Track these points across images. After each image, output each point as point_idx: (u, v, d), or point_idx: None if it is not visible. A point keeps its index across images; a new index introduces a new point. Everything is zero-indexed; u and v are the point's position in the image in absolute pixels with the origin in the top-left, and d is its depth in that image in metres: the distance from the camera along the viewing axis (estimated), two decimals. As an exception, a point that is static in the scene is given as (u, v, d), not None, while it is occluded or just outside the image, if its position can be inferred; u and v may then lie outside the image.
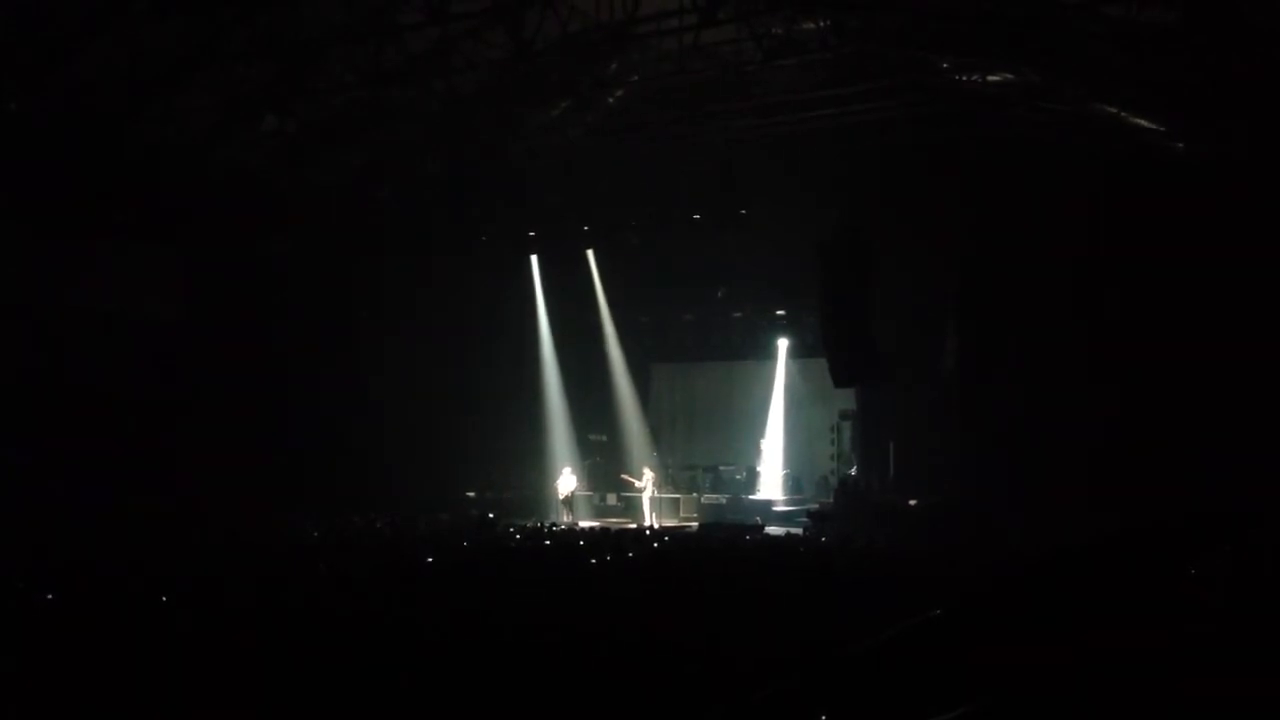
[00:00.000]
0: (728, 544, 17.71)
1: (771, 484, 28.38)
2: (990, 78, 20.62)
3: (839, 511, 23.42)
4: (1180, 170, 19.94)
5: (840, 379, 23.77)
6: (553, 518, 26.06)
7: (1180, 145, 19.98)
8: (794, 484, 28.34)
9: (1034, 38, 18.63)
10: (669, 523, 25.90)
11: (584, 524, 24.57)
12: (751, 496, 27.71)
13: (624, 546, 16.68)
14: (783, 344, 29.04)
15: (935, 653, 4.55)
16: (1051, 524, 16.72)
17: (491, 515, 24.37)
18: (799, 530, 22.53)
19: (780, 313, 28.67)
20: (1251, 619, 3.93)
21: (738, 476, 28.70)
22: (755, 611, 9.53)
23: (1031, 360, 21.91)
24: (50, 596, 10.27)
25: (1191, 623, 3.97)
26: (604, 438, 29.98)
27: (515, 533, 20.38)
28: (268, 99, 21.30)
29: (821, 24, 19.56)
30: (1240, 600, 4.03)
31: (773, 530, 22.53)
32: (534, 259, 29.31)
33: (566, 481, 27.32)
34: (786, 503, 27.20)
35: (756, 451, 28.72)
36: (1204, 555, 4.31)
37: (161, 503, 20.16)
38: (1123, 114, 19.76)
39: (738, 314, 29.18)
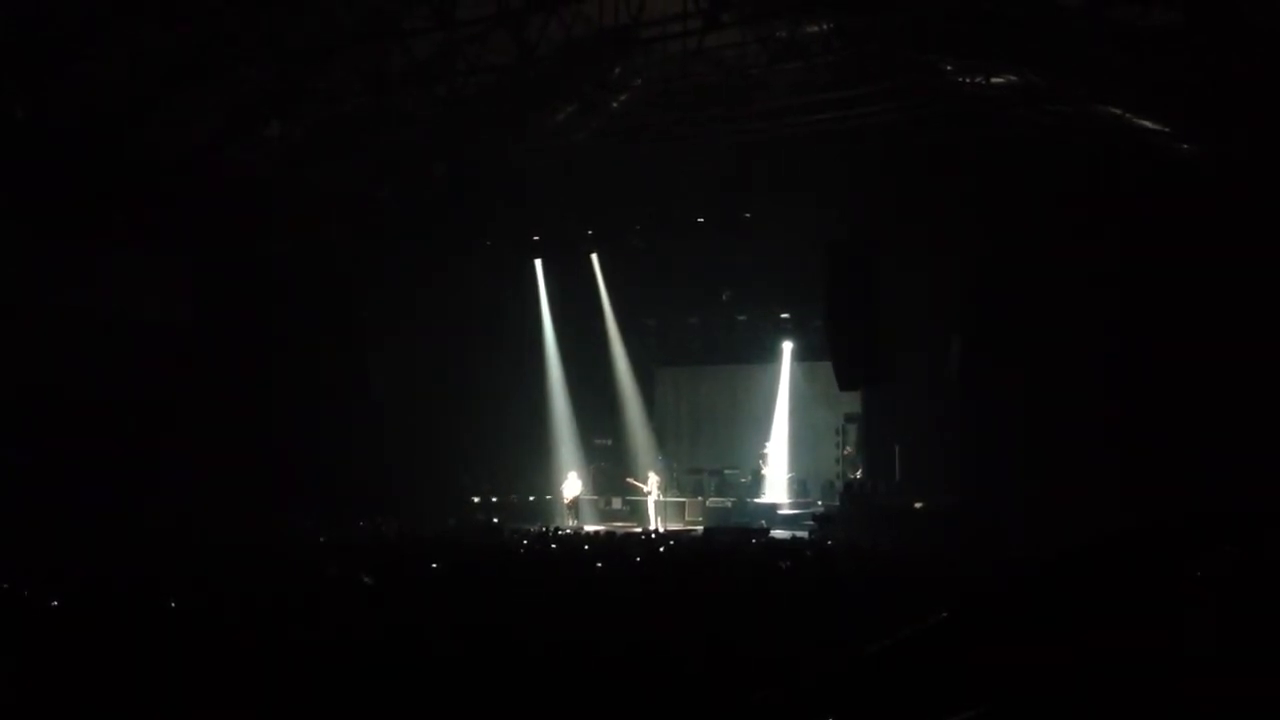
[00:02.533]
0: (732, 547, 17.71)
1: (776, 487, 28.36)
2: (993, 79, 20.62)
3: (844, 514, 23.41)
4: (1184, 171, 19.92)
5: (845, 382, 23.76)
6: (557, 522, 26.07)
7: (1183, 146, 19.97)
8: (799, 487, 28.32)
9: (1036, 39, 18.62)
10: (674, 526, 25.91)
11: (589, 528, 24.60)
12: (756, 500, 27.70)
13: (629, 550, 16.69)
14: (787, 347, 29.04)
15: (941, 654, 4.55)
16: (1056, 525, 16.69)
17: (496, 520, 24.40)
18: (804, 533, 22.52)
19: (785, 316, 28.67)
20: (1252, 620, 3.93)
21: (742, 480, 28.68)
22: (759, 614, 9.52)
23: (1036, 362, 21.90)
24: (55, 603, 10.29)
25: (1192, 623, 3.96)
26: (608, 441, 29.99)
27: (521, 537, 20.39)
28: (271, 103, 21.34)
29: (825, 27, 19.58)
30: (1241, 601, 4.02)
31: (778, 533, 22.52)
32: (537, 262, 29.33)
33: (572, 486, 27.33)
34: (791, 506, 27.19)
35: (761, 455, 28.71)
36: (1205, 556, 4.30)
37: (163, 505, 20.20)
38: (1125, 115, 19.75)
39: (742, 317, 29.16)
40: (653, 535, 22.11)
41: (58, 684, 7.15)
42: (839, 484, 26.20)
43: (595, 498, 28.60)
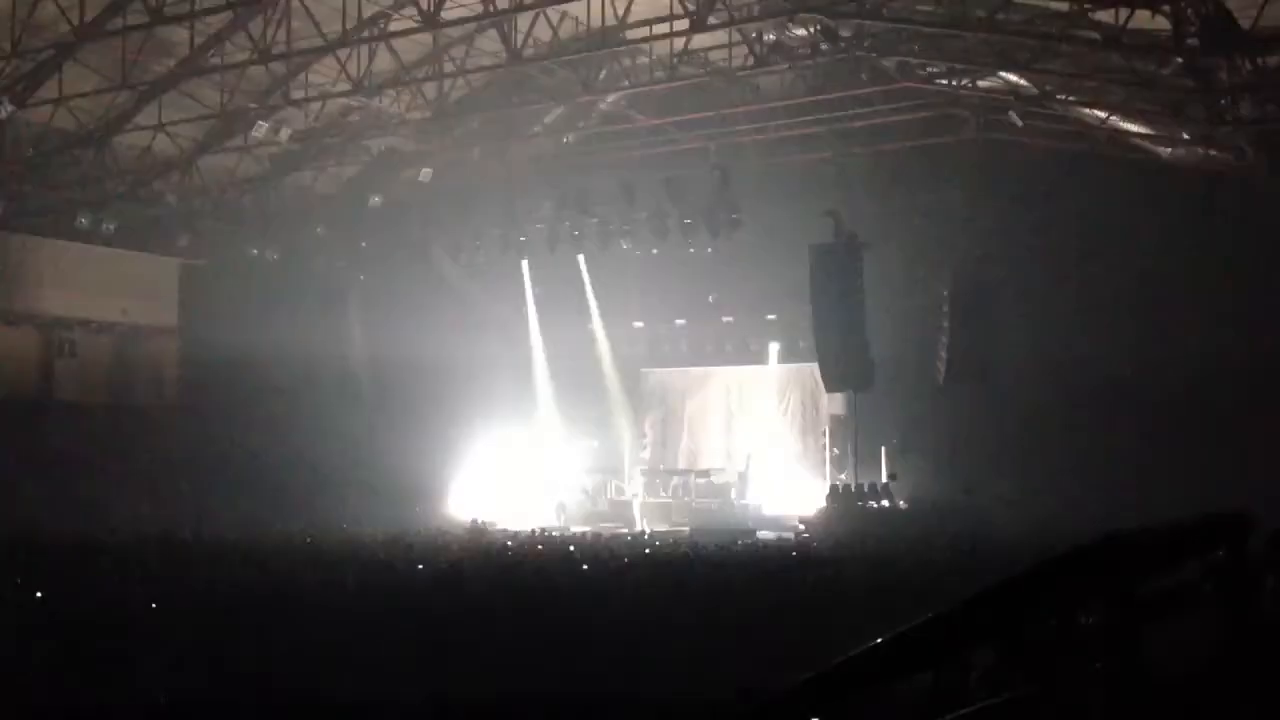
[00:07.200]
0: (719, 549, 17.71)
1: (763, 488, 28.34)
2: (980, 83, 20.68)
3: (830, 515, 23.43)
4: (1170, 174, 20.03)
5: (832, 383, 23.77)
6: (543, 523, 26.04)
7: (1168, 150, 20.08)
8: (785, 488, 28.27)
9: (1024, 44, 18.69)
10: (660, 528, 25.87)
11: (576, 529, 24.58)
12: (743, 501, 27.67)
13: (616, 552, 16.70)
14: (774, 348, 29.01)
15: (932, 657, 4.56)
16: (1044, 527, 16.74)
17: (482, 521, 24.36)
18: (790, 535, 22.53)
19: (771, 317, 28.61)
20: (1247, 622, 3.94)
21: (729, 481, 28.66)
22: (748, 616, 9.54)
23: (1023, 363, 21.97)
24: (39, 594, 10.29)
25: (1187, 626, 3.97)
26: (595, 443, 29.94)
27: (508, 539, 20.38)
28: (259, 106, 21.32)
29: (812, 30, 19.59)
30: (1237, 603, 4.03)
31: (764, 535, 22.52)
32: (525, 264, 29.27)
33: (561, 487, 27.31)
34: (778, 507, 27.17)
35: (747, 456, 28.68)
36: (1201, 558, 4.32)
37: (154, 507, 20.17)
38: (1112, 119, 19.85)
39: (729, 318, 29.13)
40: (644, 536, 22.12)
41: (50, 687, 7.15)
42: (825, 485, 26.18)
43: (581, 499, 28.56)
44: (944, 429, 23.10)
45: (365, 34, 19.45)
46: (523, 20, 18.73)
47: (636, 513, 26.76)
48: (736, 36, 19.90)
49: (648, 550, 17.77)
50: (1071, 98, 20.22)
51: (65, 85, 19.64)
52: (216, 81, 20.71)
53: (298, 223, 25.59)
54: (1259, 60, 16.77)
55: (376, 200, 25.93)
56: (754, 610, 9.90)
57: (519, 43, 18.85)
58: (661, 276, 27.59)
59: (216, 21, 18.94)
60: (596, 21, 18.96)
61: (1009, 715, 3.03)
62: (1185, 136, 19.75)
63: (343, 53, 19.70)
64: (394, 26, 19.41)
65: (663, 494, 28.23)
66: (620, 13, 18.42)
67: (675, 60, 20.13)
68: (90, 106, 20.99)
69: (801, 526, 23.19)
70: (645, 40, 19.87)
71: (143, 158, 22.27)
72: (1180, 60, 17.10)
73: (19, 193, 21.09)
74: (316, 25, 18.59)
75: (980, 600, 4.24)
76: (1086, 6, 17.24)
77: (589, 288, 29.30)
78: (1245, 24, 15.96)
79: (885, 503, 23.72)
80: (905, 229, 23.02)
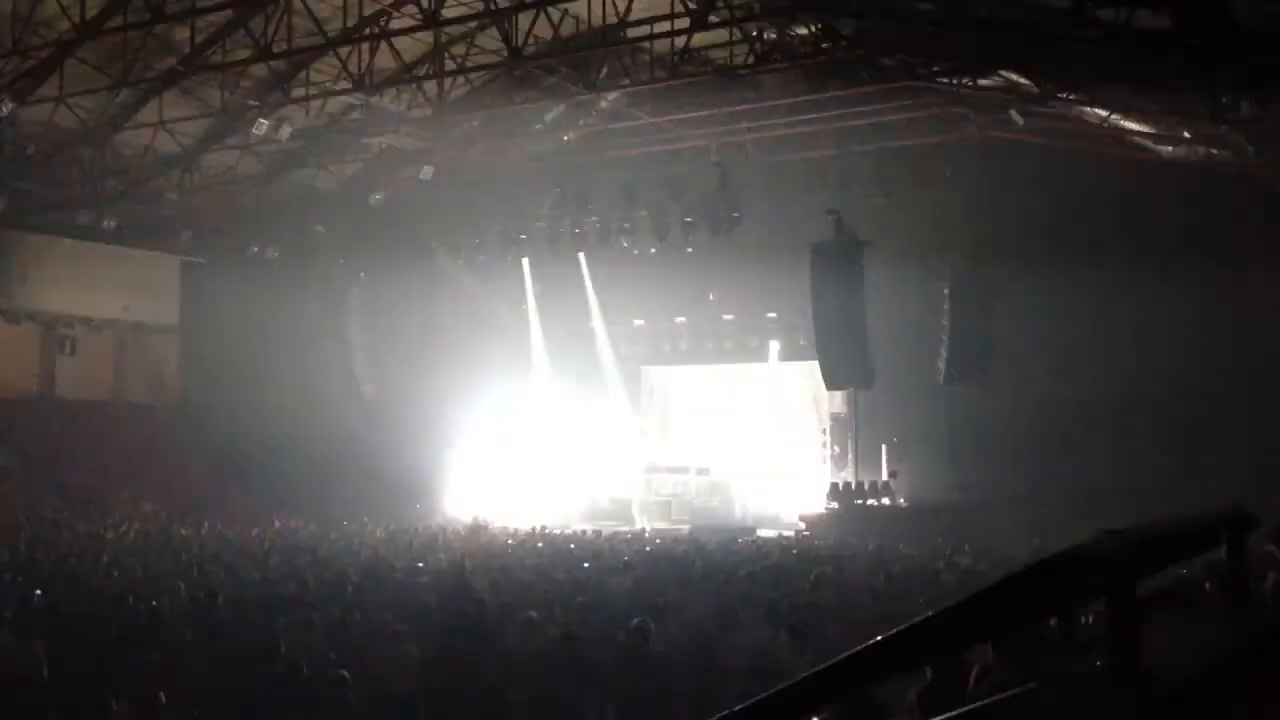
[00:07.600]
0: (719, 546, 17.72)
1: (763, 487, 28.35)
2: (980, 81, 20.67)
3: (830, 513, 23.46)
4: (1170, 172, 20.03)
5: (832, 381, 23.80)
6: (544, 520, 26.04)
7: (1169, 148, 20.08)
8: (785, 486, 28.29)
9: (1025, 42, 18.67)
10: (660, 525, 25.88)
11: (575, 527, 24.58)
12: (743, 499, 27.68)
13: (616, 549, 16.73)
14: (774, 346, 29.02)
15: (930, 655, 4.57)
16: (1041, 524, 16.75)
17: (482, 518, 24.38)
18: (790, 533, 22.55)
19: (772, 315, 28.63)
20: (1248, 620, 3.93)
21: (730, 479, 28.66)
22: (747, 615, 9.53)
23: (1024, 362, 21.98)
24: (39, 592, 10.30)
25: (1188, 624, 3.97)
26: (595, 440, 29.95)
27: (508, 537, 20.41)
28: (260, 104, 21.32)
29: (813, 29, 19.57)
30: (1238, 601, 4.03)
31: (764, 533, 22.54)
32: (526, 262, 29.29)
33: (561, 485, 27.31)
34: (778, 505, 27.19)
35: (749, 454, 28.70)
36: (1202, 556, 4.32)
37: (154, 506, 20.18)
38: (1113, 117, 19.85)
39: (729, 316, 29.15)
40: (644, 534, 22.14)
41: (48, 686, 7.15)
42: (825, 483, 26.20)
43: (581, 496, 28.56)
44: (944, 427, 23.11)
45: (366, 31, 19.45)
46: (523, 18, 18.71)
47: (636, 511, 26.78)
48: (737, 34, 19.86)
49: (648, 548, 17.76)
50: (1072, 96, 20.22)
51: (66, 83, 19.64)
52: (217, 79, 20.70)
53: (298, 221, 25.60)
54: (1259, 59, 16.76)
55: (377, 198, 25.94)
56: (753, 605, 9.90)
57: (519, 41, 18.82)
58: (662, 274, 27.56)
59: (217, 19, 18.94)
60: (597, 19, 18.96)
61: (1007, 714, 3.01)
62: (1186, 135, 19.75)
63: (343, 50, 19.68)
64: (395, 24, 19.40)
65: (663, 492, 28.24)
66: (621, 11, 18.40)
67: (676, 58, 20.09)
68: (91, 104, 21.02)
69: (802, 524, 23.20)
70: (646, 38, 19.84)
71: (144, 155, 22.27)
72: (1181, 58, 17.07)
73: (20, 190, 21.07)
74: (317, 23, 18.58)
75: (979, 598, 4.24)
76: (1088, 4, 17.21)
77: (589, 286, 29.31)
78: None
79: (885, 500, 23.74)
80: (906, 227, 23.02)
